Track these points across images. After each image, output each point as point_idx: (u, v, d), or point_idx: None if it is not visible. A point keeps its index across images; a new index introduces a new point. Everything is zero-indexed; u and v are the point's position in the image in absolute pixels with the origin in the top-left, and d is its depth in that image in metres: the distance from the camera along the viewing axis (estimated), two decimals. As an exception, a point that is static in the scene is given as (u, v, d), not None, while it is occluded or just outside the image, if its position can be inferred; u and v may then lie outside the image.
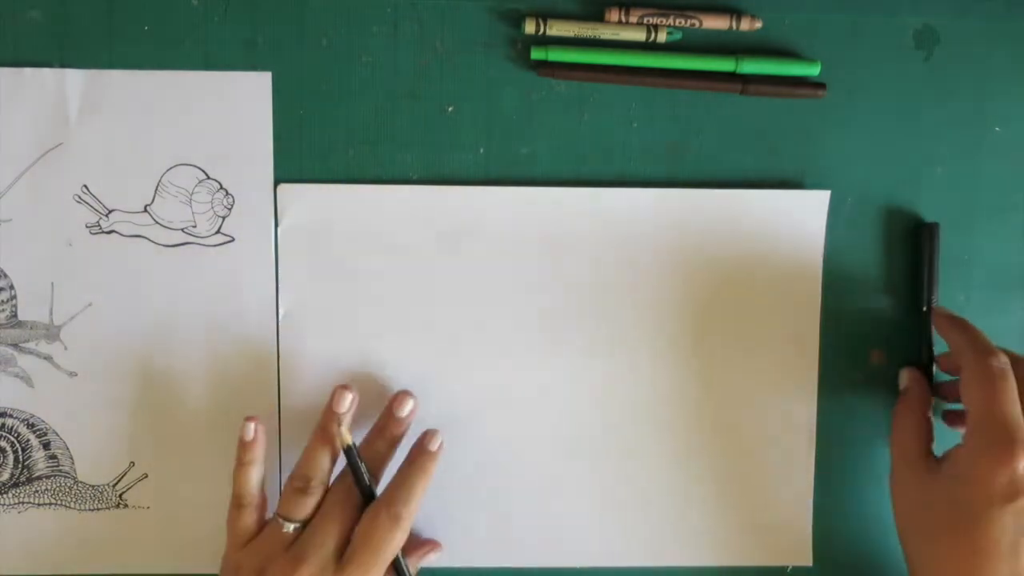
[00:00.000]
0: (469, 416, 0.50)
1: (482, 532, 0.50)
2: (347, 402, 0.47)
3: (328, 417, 0.47)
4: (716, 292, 0.50)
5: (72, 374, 0.49)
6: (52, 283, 0.49)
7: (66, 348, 0.49)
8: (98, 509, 0.50)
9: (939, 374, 0.50)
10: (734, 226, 0.49)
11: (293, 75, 0.48)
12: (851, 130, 0.50)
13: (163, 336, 0.49)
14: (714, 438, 0.50)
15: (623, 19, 0.48)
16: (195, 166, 0.49)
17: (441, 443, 0.48)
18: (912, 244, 0.50)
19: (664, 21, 0.48)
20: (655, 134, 0.49)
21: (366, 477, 0.46)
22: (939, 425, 0.50)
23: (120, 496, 0.50)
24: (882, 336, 0.51)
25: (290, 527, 0.45)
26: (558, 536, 0.50)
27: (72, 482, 0.50)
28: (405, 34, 0.49)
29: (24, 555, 0.50)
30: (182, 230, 0.49)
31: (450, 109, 0.49)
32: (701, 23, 0.48)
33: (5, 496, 0.50)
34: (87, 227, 0.49)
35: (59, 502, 0.50)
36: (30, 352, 0.49)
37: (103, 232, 0.49)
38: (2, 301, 0.49)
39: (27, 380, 0.49)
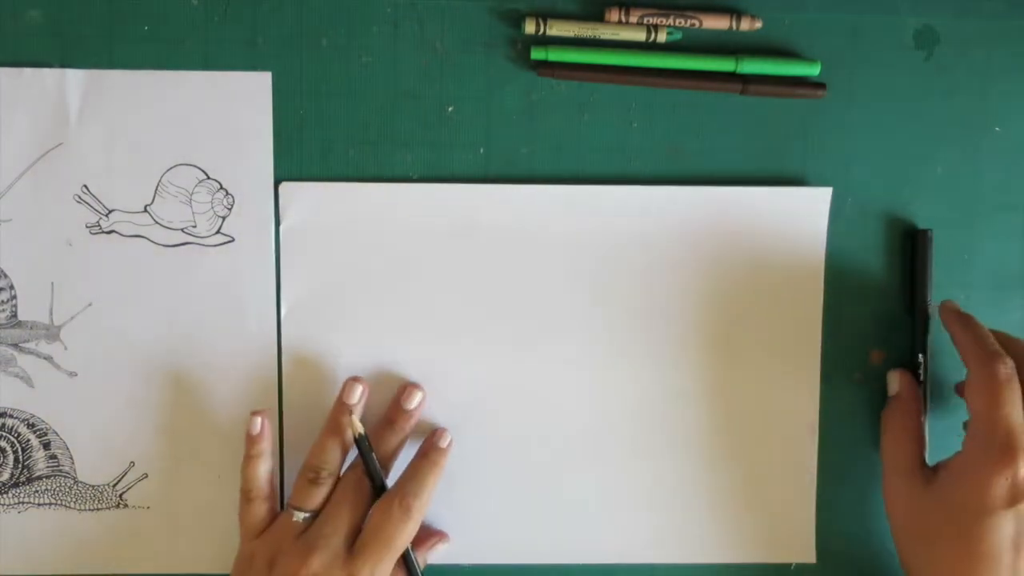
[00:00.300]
0: (471, 413, 0.50)
1: (488, 528, 0.50)
2: (357, 393, 0.48)
3: (339, 408, 0.48)
4: (718, 290, 0.50)
5: (72, 374, 0.49)
6: (52, 283, 0.49)
7: (66, 348, 0.49)
8: (98, 509, 0.50)
9: (937, 374, 0.50)
10: (736, 224, 0.49)
11: (293, 75, 0.48)
12: (851, 130, 0.50)
13: (163, 336, 0.49)
14: (717, 436, 0.50)
15: (623, 19, 0.48)
16: (195, 166, 0.49)
17: (451, 440, 0.48)
18: (910, 246, 0.50)
19: (664, 21, 0.48)
20: (655, 134, 0.49)
21: (377, 467, 0.46)
22: (935, 428, 0.50)
23: (120, 496, 0.50)
24: (882, 336, 0.51)
25: (301, 517, 0.46)
26: (564, 532, 0.50)
27: (72, 482, 0.50)
28: (405, 34, 0.49)
29: (24, 555, 0.50)
30: (182, 230, 0.49)
31: (450, 109, 0.49)
32: (701, 23, 0.48)
33: (5, 496, 0.50)
34: (87, 227, 0.49)
35: (59, 502, 0.50)
36: (30, 352, 0.49)
37: (103, 232, 0.49)
38: (2, 301, 0.49)
39: (27, 380, 0.49)
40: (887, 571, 0.51)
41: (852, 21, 0.49)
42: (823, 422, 0.50)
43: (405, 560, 0.46)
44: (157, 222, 0.49)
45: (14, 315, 0.49)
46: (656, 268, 0.49)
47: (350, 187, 0.49)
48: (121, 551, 0.50)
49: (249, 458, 0.47)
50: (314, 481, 0.46)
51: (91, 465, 0.49)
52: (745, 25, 0.48)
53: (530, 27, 0.48)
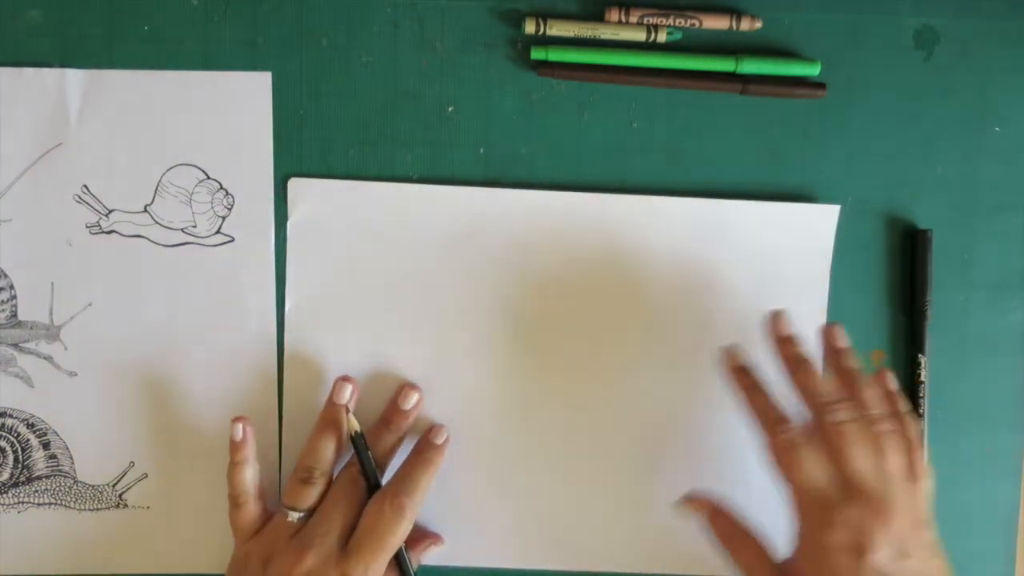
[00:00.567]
0: (471, 414, 0.50)
1: (482, 531, 0.50)
2: (347, 393, 0.48)
3: (329, 408, 0.48)
4: (722, 302, 0.50)
5: (72, 374, 0.49)
6: (52, 283, 0.49)
7: (66, 348, 0.49)
8: (98, 509, 0.50)
9: (937, 374, 0.50)
10: (741, 237, 0.49)
11: (293, 75, 0.48)
12: (851, 130, 0.50)
13: (163, 336, 0.49)
14: (719, 442, 0.50)
15: (623, 19, 0.48)
16: (195, 166, 0.49)
17: (447, 438, 0.48)
18: (910, 246, 0.50)
19: (664, 21, 0.48)
20: (655, 134, 0.49)
21: (372, 465, 0.46)
22: (935, 428, 0.50)
23: (120, 496, 0.50)
24: (882, 336, 0.51)
25: (295, 516, 0.46)
26: (558, 537, 0.50)
27: (72, 482, 0.50)
28: (405, 34, 0.49)
29: (24, 555, 0.50)
30: (182, 230, 0.49)
31: (450, 109, 0.49)
32: (701, 23, 0.48)
33: (5, 496, 0.49)
34: (87, 227, 0.49)
35: (59, 502, 0.50)
36: (30, 352, 0.49)
37: (103, 232, 0.49)
38: (2, 301, 0.49)
39: (27, 380, 0.49)
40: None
41: (852, 21, 0.49)
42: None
43: (398, 560, 0.46)
44: (157, 222, 0.49)
45: (14, 315, 0.49)
46: (657, 277, 0.49)
47: (359, 185, 0.49)
48: (121, 551, 0.50)
49: (234, 464, 0.47)
50: (307, 481, 0.46)
51: (91, 465, 0.49)
52: (745, 25, 0.48)
53: (530, 27, 0.48)
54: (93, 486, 0.50)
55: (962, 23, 0.50)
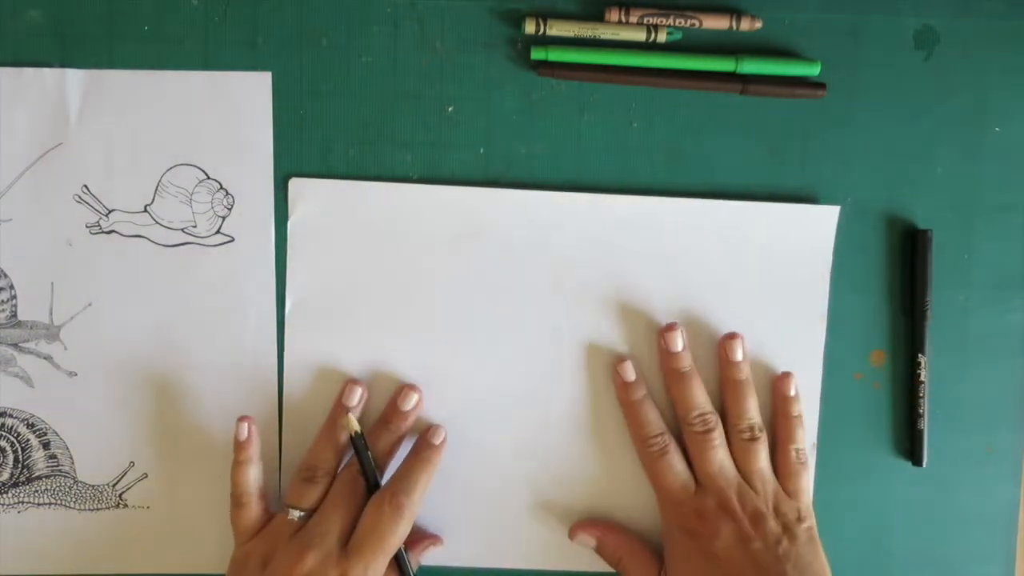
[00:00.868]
0: (471, 414, 0.50)
1: (482, 532, 0.50)
2: (356, 396, 0.48)
3: (337, 411, 0.48)
4: (721, 302, 0.50)
5: (72, 374, 0.49)
6: (52, 283, 0.49)
7: (66, 348, 0.49)
8: (98, 509, 0.50)
9: (937, 374, 0.50)
10: (740, 238, 0.49)
11: (293, 75, 0.48)
12: (851, 130, 0.50)
13: (163, 336, 0.49)
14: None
15: (623, 19, 0.48)
16: (195, 166, 0.49)
17: (445, 437, 0.48)
18: (910, 246, 0.50)
19: (664, 21, 0.48)
20: (655, 134, 0.49)
21: (372, 465, 0.46)
22: (935, 428, 0.50)
23: (120, 496, 0.50)
24: (882, 336, 0.51)
25: (296, 515, 0.46)
26: (559, 539, 0.50)
27: (72, 482, 0.50)
28: (405, 34, 0.49)
29: (24, 555, 0.50)
30: (182, 230, 0.49)
31: (450, 109, 0.49)
32: (701, 23, 0.48)
33: (5, 496, 0.49)
34: (87, 227, 0.49)
35: (59, 502, 0.50)
36: (30, 352, 0.49)
37: (103, 232, 0.49)
38: (2, 301, 0.49)
39: (27, 380, 0.49)
40: (886, 570, 0.51)
41: (852, 21, 0.49)
42: (822, 422, 0.50)
43: (398, 561, 0.46)
44: (157, 222, 0.49)
45: (14, 315, 0.49)
46: (657, 277, 0.49)
47: (359, 185, 0.49)
48: (121, 551, 0.50)
49: (238, 463, 0.47)
50: (309, 480, 0.46)
51: (91, 465, 0.49)
52: (745, 25, 0.48)
53: (530, 27, 0.48)
54: (93, 486, 0.50)
55: (962, 23, 0.50)
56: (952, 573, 0.51)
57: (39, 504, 0.50)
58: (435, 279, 0.49)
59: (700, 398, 0.48)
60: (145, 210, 0.49)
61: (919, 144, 0.50)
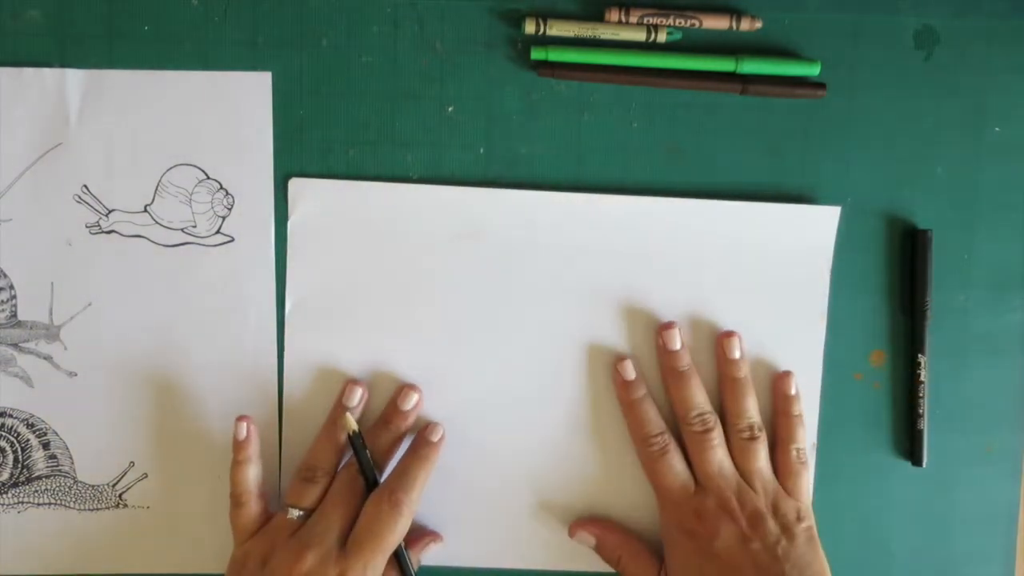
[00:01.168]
0: (471, 414, 0.50)
1: (482, 531, 0.50)
2: (357, 396, 0.48)
3: (337, 410, 0.48)
4: (722, 302, 0.50)
5: (72, 374, 0.49)
6: (52, 283, 0.49)
7: (66, 348, 0.49)
8: (98, 509, 0.50)
9: (937, 374, 0.50)
10: (740, 239, 0.49)
11: (293, 75, 0.48)
12: (851, 130, 0.50)
13: (163, 336, 0.49)
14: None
15: (623, 19, 0.48)
16: (195, 166, 0.49)
17: (443, 434, 0.48)
18: (910, 246, 0.50)
19: (664, 21, 0.48)
20: (655, 134, 0.49)
21: (370, 463, 0.46)
22: (935, 428, 0.50)
23: (120, 496, 0.50)
24: (882, 336, 0.51)
25: (296, 514, 0.46)
26: (559, 538, 0.50)
27: (72, 482, 0.50)
28: (405, 34, 0.49)
29: (24, 555, 0.50)
30: (182, 230, 0.49)
31: (450, 109, 0.49)
32: (701, 23, 0.48)
33: (5, 496, 0.49)
34: (87, 227, 0.49)
35: (59, 502, 0.50)
36: (30, 352, 0.49)
37: (103, 232, 0.49)
38: (2, 301, 0.49)
39: (27, 380, 0.49)
40: (885, 570, 0.51)
41: (852, 21, 0.49)
42: (822, 422, 0.50)
43: (398, 559, 0.46)
44: (157, 222, 0.49)
45: (14, 315, 0.49)
46: (657, 277, 0.49)
47: (359, 185, 0.49)
48: (121, 551, 0.50)
49: (237, 463, 0.48)
50: (309, 479, 0.46)
51: (91, 465, 0.49)
52: (745, 25, 0.48)
53: (530, 27, 0.48)
54: (93, 486, 0.50)
55: (962, 23, 0.50)
56: (952, 573, 0.51)
57: (39, 504, 0.50)
58: (435, 279, 0.49)
59: (699, 398, 0.48)
60: (145, 210, 0.49)
61: (919, 144, 0.50)
